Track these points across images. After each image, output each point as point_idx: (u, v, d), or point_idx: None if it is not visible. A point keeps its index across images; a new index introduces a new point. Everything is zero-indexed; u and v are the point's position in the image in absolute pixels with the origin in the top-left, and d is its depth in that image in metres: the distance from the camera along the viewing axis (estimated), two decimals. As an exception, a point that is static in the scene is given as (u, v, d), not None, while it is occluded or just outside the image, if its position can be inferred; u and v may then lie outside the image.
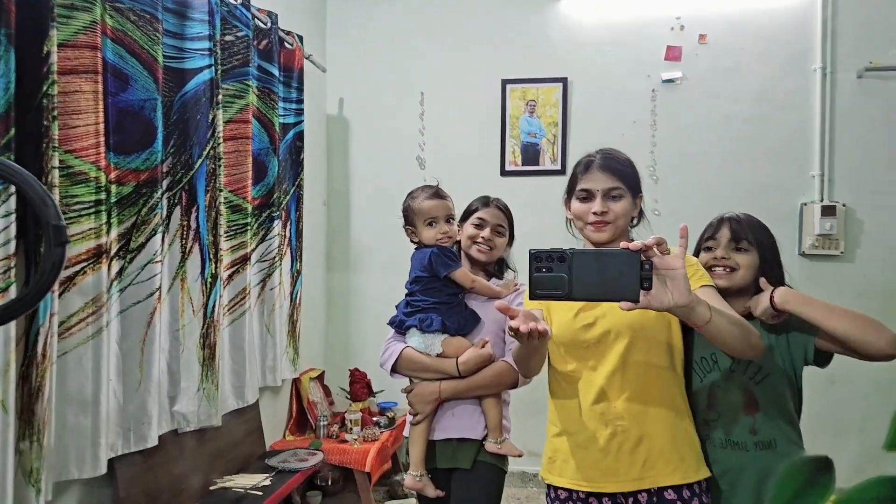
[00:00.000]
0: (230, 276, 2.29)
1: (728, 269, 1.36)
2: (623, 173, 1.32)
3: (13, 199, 1.25)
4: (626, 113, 3.09)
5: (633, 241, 1.04)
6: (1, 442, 1.27)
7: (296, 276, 2.85)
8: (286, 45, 2.68)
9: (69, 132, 1.45)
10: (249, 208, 2.36)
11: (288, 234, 2.77)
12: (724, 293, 1.29)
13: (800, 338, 1.32)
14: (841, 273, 2.97)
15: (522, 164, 3.16)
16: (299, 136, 2.82)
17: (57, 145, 1.38)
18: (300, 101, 2.80)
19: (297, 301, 2.86)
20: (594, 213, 1.30)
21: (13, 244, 1.28)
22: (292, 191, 2.82)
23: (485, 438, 1.60)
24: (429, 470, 1.62)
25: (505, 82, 3.17)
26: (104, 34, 1.53)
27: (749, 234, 1.38)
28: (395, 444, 2.91)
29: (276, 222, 2.60)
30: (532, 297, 1.02)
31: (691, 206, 2.94)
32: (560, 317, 1.34)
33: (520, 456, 1.61)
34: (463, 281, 1.62)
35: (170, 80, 1.86)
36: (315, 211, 3.20)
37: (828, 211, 2.91)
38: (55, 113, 1.36)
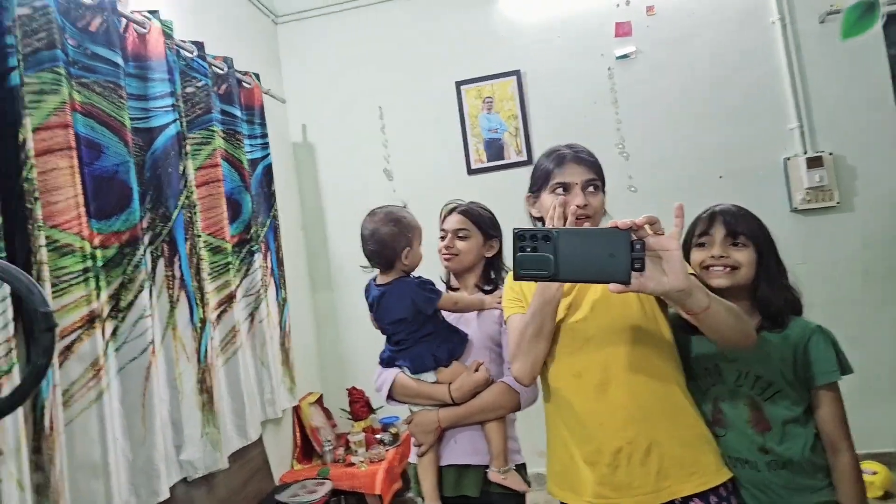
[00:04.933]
0: (218, 317, 2.33)
1: (728, 269, 1.29)
2: (596, 165, 1.30)
3: (7, 286, 1.30)
4: (585, 95, 3.16)
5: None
6: (21, 517, 1.32)
7: (282, 303, 2.90)
8: (244, 84, 2.72)
9: (51, 208, 1.49)
10: (229, 247, 2.40)
11: (269, 265, 2.83)
12: (724, 293, 1.20)
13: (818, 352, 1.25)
14: (841, 225, 2.89)
15: (488, 161, 3.24)
16: (268, 169, 2.87)
17: (42, 224, 1.42)
18: (265, 136, 2.85)
19: (287, 328, 2.91)
20: (577, 206, 1.24)
21: (11, 326, 1.33)
22: (268, 222, 2.87)
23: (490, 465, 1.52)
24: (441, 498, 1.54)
25: (459, 84, 3.25)
26: (74, 110, 1.57)
27: (745, 227, 1.30)
28: (403, 461, 2.91)
29: (256, 255, 2.65)
30: (516, 277, 0.97)
31: (667, 179, 3.01)
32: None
33: (526, 490, 1.52)
34: (447, 307, 1.59)
35: (139, 140, 1.91)
36: (293, 236, 3.26)
37: (814, 162, 2.84)
38: (36, 194, 1.41)
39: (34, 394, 1.37)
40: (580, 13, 3.16)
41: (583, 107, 3.16)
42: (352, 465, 2.74)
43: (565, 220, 1.22)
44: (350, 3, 3.35)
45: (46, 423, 1.40)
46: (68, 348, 1.54)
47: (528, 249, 0.96)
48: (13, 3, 1.39)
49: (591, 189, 1.28)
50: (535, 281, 1.04)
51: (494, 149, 3.26)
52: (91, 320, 1.59)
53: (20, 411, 1.32)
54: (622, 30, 3.13)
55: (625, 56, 3.12)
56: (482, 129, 3.26)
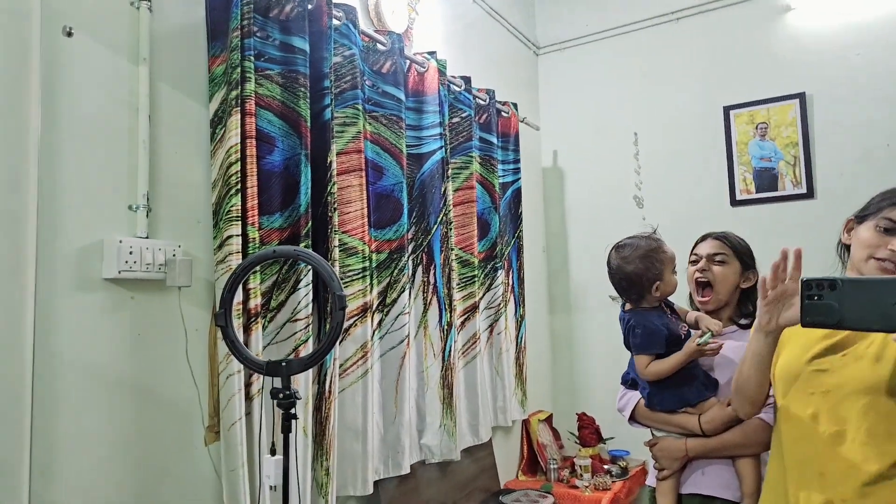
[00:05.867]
0: (462, 323, 2.58)
1: None
2: None
3: (310, 275, 1.67)
4: (889, 122, 2.69)
5: None
6: (303, 459, 1.66)
7: (520, 320, 3.06)
8: (503, 114, 2.98)
9: (344, 217, 1.87)
10: (476, 262, 2.65)
11: (511, 282, 3.02)
12: None
13: None
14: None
15: (756, 192, 2.97)
16: (517, 193, 3.08)
17: (337, 229, 1.79)
18: (517, 161, 3.07)
19: (523, 344, 3.06)
20: (892, 250, 1.18)
21: (311, 306, 1.70)
22: (513, 242, 3.07)
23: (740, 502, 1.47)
24: None
25: (727, 108, 3.04)
26: (365, 139, 1.95)
27: None
28: (629, 496, 2.83)
29: (499, 272, 2.86)
30: (803, 324, 1.04)
31: None
32: (792, 350, 1.26)
33: None
34: (639, 370, 1.58)
35: (411, 164, 2.25)
36: (535, 257, 3.41)
37: None
38: (336, 205, 1.78)
39: (323, 359, 1.71)
40: (888, 26, 2.71)
41: (885, 135, 2.68)
42: (575, 487, 2.75)
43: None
44: (610, 31, 3.40)
45: (327, 387, 1.74)
46: (346, 331, 1.89)
47: (815, 297, 1.02)
48: (331, 54, 1.79)
49: None
50: (821, 328, 1.07)
51: (766, 179, 2.97)
52: (364, 310, 1.93)
53: (310, 373, 1.68)
54: None
55: None
56: (752, 157, 3.00)
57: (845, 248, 1.33)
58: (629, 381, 1.69)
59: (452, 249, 2.46)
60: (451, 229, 2.44)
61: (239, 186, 1.48)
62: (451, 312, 2.39)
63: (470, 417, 2.56)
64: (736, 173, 3.03)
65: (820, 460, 1.17)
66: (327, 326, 1.74)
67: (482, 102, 2.79)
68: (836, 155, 2.79)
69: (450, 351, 2.37)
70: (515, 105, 3.10)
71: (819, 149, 2.84)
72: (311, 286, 1.69)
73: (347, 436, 1.87)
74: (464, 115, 2.59)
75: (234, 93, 1.49)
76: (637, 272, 1.59)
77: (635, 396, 1.65)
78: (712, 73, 3.11)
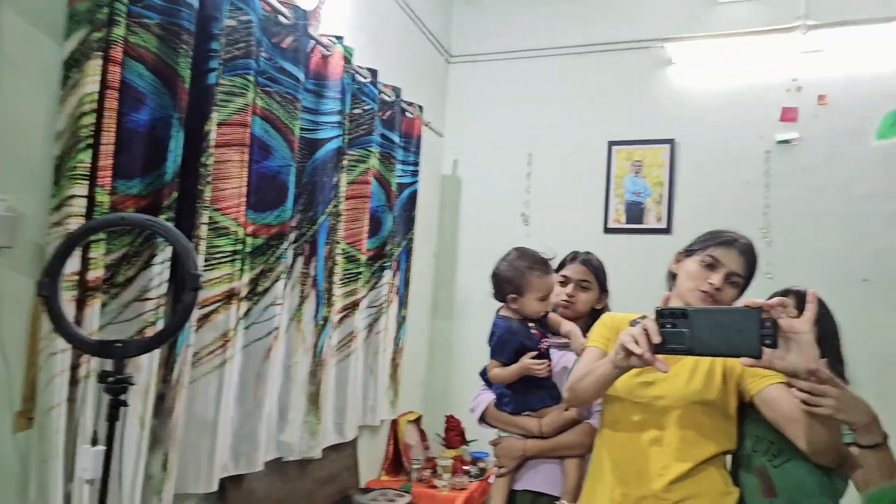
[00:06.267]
0: (340, 320, 2.50)
1: None
2: (752, 269, 1.40)
3: (170, 251, 1.52)
4: (738, 173, 3.03)
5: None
6: (136, 452, 1.50)
7: (401, 321, 3.03)
8: (407, 114, 2.94)
9: (218, 194, 1.73)
10: (363, 259, 2.58)
11: (397, 283, 2.98)
12: None
13: None
14: None
15: (626, 223, 3.21)
16: (413, 195, 3.05)
17: (207, 205, 1.65)
18: (416, 164, 3.04)
19: (401, 345, 3.03)
20: (710, 284, 1.34)
21: (165, 286, 1.55)
22: (404, 243, 3.03)
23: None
24: None
25: (611, 143, 3.26)
26: (254, 113, 1.82)
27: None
28: (483, 496, 2.91)
29: (386, 272, 2.81)
30: (657, 351, 1.12)
31: (807, 274, 2.76)
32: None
33: None
34: (488, 371, 1.72)
35: (304, 148, 2.14)
36: (425, 261, 3.40)
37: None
38: (209, 178, 1.64)
39: (170, 343, 1.57)
40: (746, 91, 3.05)
41: (733, 185, 3.03)
42: (434, 487, 2.79)
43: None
44: (520, 53, 3.49)
45: (175, 375, 1.60)
46: (206, 317, 1.75)
47: (668, 326, 1.10)
48: (224, 15, 1.66)
49: (733, 280, 1.37)
50: (675, 354, 1.14)
51: (635, 212, 3.21)
52: (230, 297, 1.80)
53: (156, 357, 1.53)
54: (788, 115, 2.96)
55: (786, 141, 2.96)
56: (626, 191, 3.23)
57: (673, 276, 1.47)
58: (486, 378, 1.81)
59: (339, 243, 2.37)
60: (339, 222, 2.36)
61: (91, 142, 1.31)
62: (328, 307, 2.31)
63: (336, 415, 2.48)
64: (611, 204, 3.25)
65: (639, 461, 1.32)
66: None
67: (388, 99, 2.73)
68: (692, 197, 3.10)
69: (322, 347, 2.28)
70: (421, 108, 3.07)
71: (680, 190, 3.13)
72: (168, 264, 1.54)
73: (195, 429, 1.73)
74: (367, 107, 2.51)
75: (96, 35, 1.32)
76: (504, 278, 1.74)
77: (487, 398, 1.78)
78: (603, 108, 3.31)
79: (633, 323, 1.35)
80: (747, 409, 1.36)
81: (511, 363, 1.69)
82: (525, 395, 1.71)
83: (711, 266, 1.36)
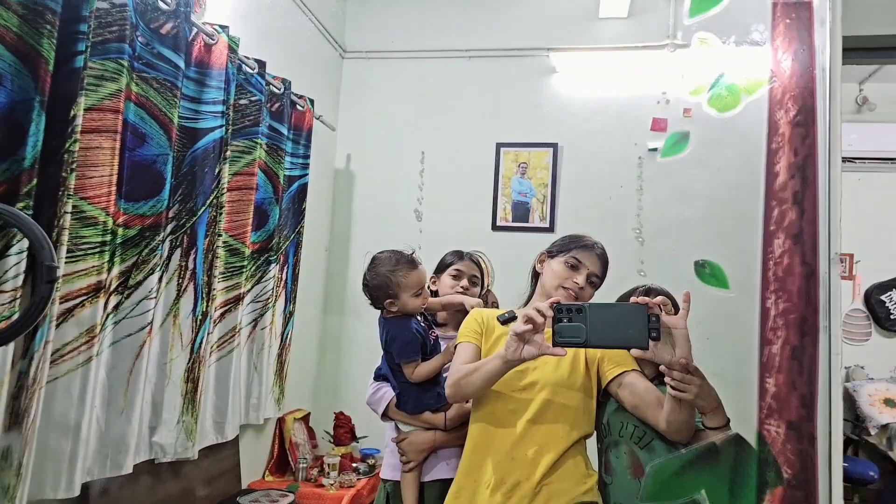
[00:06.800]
0: (222, 315, 2.43)
1: None
2: (606, 271, 1.59)
3: (27, 241, 1.42)
4: (613, 178, 3.24)
5: None
6: (-14, 456, 1.40)
7: (288, 316, 2.99)
8: (298, 107, 2.91)
9: (85, 182, 1.63)
10: (247, 252, 2.52)
11: (284, 277, 2.94)
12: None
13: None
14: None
15: (513, 221, 3.38)
16: (303, 188, 3.02)
17: (72, 193, 1.56)
18: (307, 157, 3.01)
19: (288, 341, 2.99)
20: (575, 283, 1.49)
21: (21, 278, 1.45)
22: (292, 237, 3.00)
23: None
24: None
25: (499, 145, 3.41)
26: (128, 99, 1.74)
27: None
28: (372, 493, 2.90)
29: (272, 265, 2.76)
30: (554, 344, 1.21)
31: (675, 268, 3.05)
32: (499, 352, 1.45)
33: None
34: (408, 375, 1.72)
35: (183, 137, 2.07)
36: (315, 255, 3.37)
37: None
38: (74, 166, 1.55)
39: (26, 339, 1.47)
40: (624, 101, 3.30)
41: (609, 188, 3.25)
42: (322, 486, 2.76)
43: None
44: (412, 52, 3.55)
45: (31, 373, 1.50)
46: (69, 311, 1.65)
47: (565, 320, 1.19)
48: (94, -3, 1.57)
49: (592, 280, 1.53)
50: (571, 347, 1.23)
51: (521, 211, 3.39)
52: (97, 290, 1.70)
53: (9, 354, 1.42)
54: (658, 125, 3.24)
55: (654, 150, 3.24)
56: (513, 191, 3.40)
57: (536, 275, 1.61)
58: (381, 377, 1.82)
59: (220, 236, 2.31)
60: (221, 214, 2.29)
61: (-67, 122, 1.21)
62: (208, 302, 2.24)
63: (216, 414, 2.42)
64: (499, 203, 3.42)
65: (513, 446, 1.41)
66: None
67: (276, 91, 2.68)
68: (573, 198, 3.33)
69: (201, 343, 2.21)
70: (312, 101, 3.04)
71: (562, 191, 3.36)
72: (25, 254, 1.44)
73: (54, 431, 1.63)
74: (253, 98, 2.46)
75: (-60, 8, 1.22)
76: (374, 286, 1.78)
77: (389, 393, 1.78)
78: (492, 111, 3.46)
79: (499, 317, 1.45)
80: (608, 399, 1.50)
81: (425, 357, 1.73)
82: (420, 394, 1.73)
83: (574, 267, 1.51)
